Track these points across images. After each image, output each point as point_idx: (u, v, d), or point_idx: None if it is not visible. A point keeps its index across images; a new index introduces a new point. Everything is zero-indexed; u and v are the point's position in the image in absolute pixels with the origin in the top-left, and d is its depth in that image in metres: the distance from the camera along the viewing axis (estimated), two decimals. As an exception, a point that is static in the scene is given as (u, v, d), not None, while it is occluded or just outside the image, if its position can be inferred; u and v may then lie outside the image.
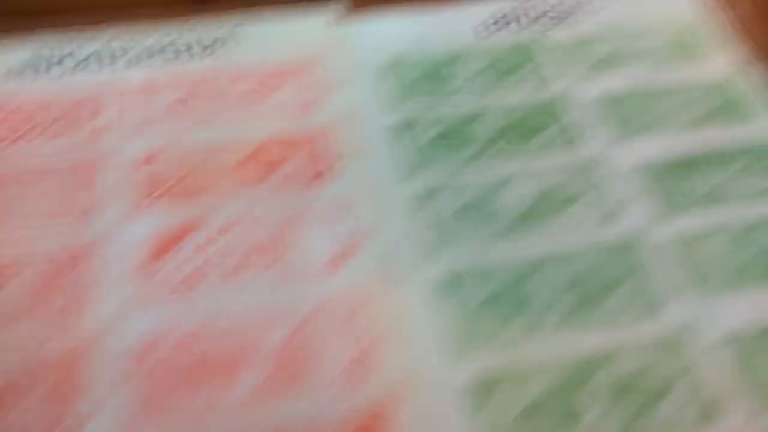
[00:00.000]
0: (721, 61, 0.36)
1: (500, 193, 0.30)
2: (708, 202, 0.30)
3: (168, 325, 0.25)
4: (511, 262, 0.28)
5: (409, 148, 0.31)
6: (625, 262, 0.28)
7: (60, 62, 0.32)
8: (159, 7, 0.35)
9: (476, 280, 0.27)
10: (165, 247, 0.26)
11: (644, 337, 0.26)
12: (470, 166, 0.31)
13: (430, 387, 0.24)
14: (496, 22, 0.37)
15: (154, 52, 0.33)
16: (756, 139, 0.32)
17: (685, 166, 0.31)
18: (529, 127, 0.33)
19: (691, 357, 0.25)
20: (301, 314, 0.25)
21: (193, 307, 0.25)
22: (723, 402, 0.24)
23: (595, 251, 0.28)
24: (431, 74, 0.35)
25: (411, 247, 0.28)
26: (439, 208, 0.29)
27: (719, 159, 0.32)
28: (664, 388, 0.24)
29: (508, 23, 0.37)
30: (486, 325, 0.26)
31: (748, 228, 0.29)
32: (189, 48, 0.34)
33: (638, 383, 0.24)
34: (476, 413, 0.23)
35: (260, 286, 0.26)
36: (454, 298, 0.26)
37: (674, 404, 0.24)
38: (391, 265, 0.27)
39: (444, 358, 0.25)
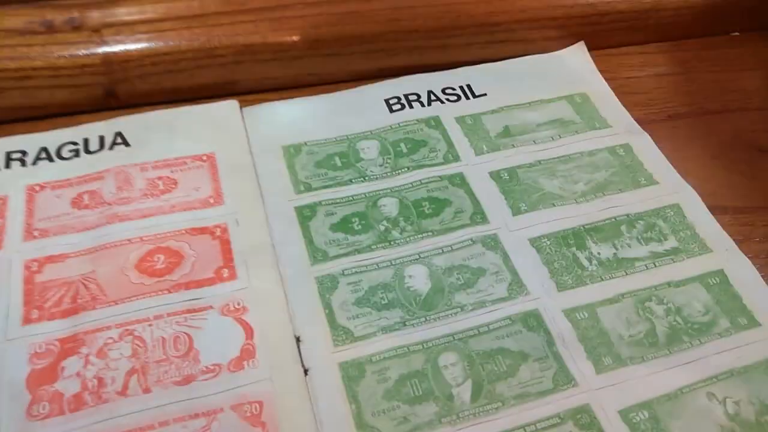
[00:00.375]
0: (610, 132, 0.37)
1: (406, 278, 0.30)
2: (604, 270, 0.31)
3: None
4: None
5: (316, 233, 0.32)
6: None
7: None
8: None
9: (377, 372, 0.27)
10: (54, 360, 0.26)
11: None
12: (374, 250, 0.31)
13: None
14: (399, 100, 0.38)
15: (50, 153, 0.33)
16: (647, 205, 0.34)
17: (578, 236, 0.32)
18: (433, 205, 0.33)
19: None
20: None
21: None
22: None
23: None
24: (339, 154, 0.35)
25: (313, 343, 0.28)
26: (344, 296, 0.29)
27: (612, 227, 0.33)
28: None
29: (411, 101, 0.38)
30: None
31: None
32: (92, 145, 0.34)
33: None
34: None
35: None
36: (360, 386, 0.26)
37: None
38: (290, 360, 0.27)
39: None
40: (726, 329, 0.29)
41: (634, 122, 0.38)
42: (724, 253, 0.32)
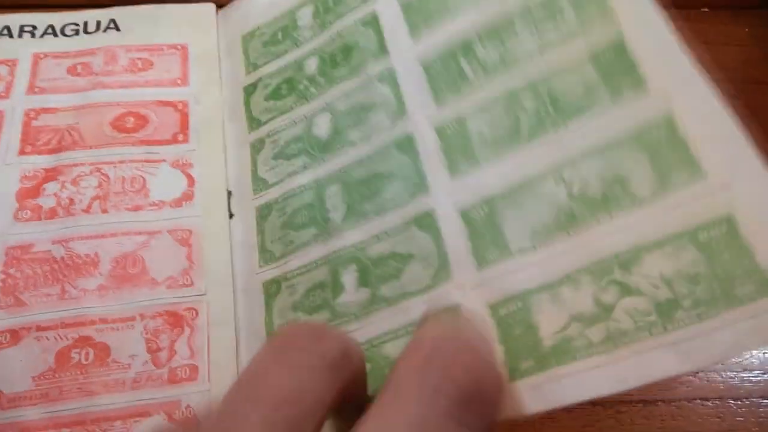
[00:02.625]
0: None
1: (313, 126, 0.35)
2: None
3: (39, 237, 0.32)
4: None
5: (254, 106, 0.37)
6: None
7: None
8: None
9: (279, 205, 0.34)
10: (38, 182, 0.34)
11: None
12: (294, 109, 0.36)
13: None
14: None
15: (55, 30, 0.40)
16: None
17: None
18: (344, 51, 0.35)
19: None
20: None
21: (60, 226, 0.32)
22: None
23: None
24: (281, 29, 0.39)
25: (240, 195, 0.35)
26: (266, 154, 0.36)
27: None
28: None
29: None
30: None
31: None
32: (89, 27, 0.41)
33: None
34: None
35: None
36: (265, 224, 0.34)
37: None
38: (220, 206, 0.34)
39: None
40: (602, 103, 0.25)
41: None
42: (632, 18, 0.27)
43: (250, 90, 0.39)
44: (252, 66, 0.40)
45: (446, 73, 0.31)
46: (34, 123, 0.36)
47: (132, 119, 0.37)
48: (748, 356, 0.36)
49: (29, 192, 0.33)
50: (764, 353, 0.36)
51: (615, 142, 0.25)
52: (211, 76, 0.40)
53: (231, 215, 0.34)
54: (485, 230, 0.27)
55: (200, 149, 0.36)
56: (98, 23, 0.41)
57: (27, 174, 0.34)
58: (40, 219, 0.33)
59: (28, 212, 0.33)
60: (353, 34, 0.36)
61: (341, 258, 0.31)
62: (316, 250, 0.31)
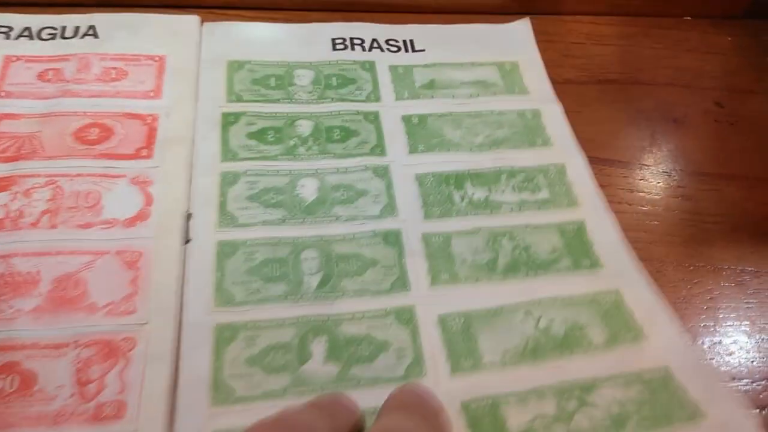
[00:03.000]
0: (527, 98, 0.41)
1: (298, 186, 0.35)
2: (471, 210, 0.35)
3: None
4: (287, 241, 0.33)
5: (233, 136, 0.37)
6: (390, 251, 0.33)
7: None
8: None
9: (247, 249, 0.32)
10: (-11, 191, 0.32)
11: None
12: (279, 160, 0.36)
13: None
14: (344, 41, 0.43)
15: (32, 33, 0.39)
16: (534, 161, 0.38)
17: (460, 178, 0.37)
18: (344, 132, 0.38)
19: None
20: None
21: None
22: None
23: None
24: (276, 76, 0.40)
25: (201, 222, 0.33)
26: (239, 191, 0.35)
27: (494, 175, 0.37)
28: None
29: (354, 44, 0.43)
30: (242, 290, 0.31)
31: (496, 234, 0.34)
32: (67, 32, 0.39)
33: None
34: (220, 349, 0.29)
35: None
36: (228, 262, 0.32)
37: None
38: (176, 229, 0.32)
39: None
40: (566, 267, 0.33)
41: (553, 93, 0.42)
42: (591, 208, 0.36)
43: (230, 119, 0.37)
44: (235, 96, 0.38)
45: (437, 193, 0.36)
46: (-5, 128, 0.35)
47: (96, 130, 0.35)
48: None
49: (-24, 201, 0.32)
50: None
51: (575, 299, 0.32)
52: (186, 91, 0.38)
53: (188, 240, 0.32)
54: (460, 339, 0.30)
55: (164, 166, 0.34)
56: (77, 29, 0.40)
57: (-22, 182, 0.32)
58: (-16, 230, 0.31)
59: (-27, 223, 0.31)
60: (355, 122, 0.38)
61: (312, 325, 0.30)
62: (285, 309, 0.30)
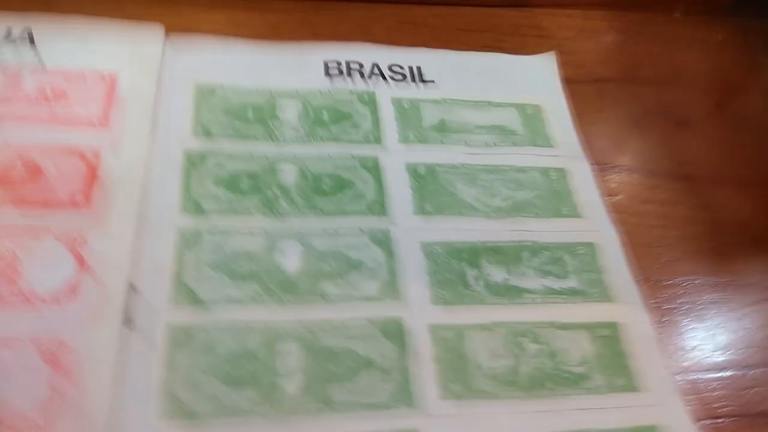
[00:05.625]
0: (551, 152, 0.35)
1: (276, 251, 0.28)
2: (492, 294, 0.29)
3: None
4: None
5: (197, 182, 0.29)
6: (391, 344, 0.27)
7: None
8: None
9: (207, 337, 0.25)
10: None
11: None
12: (254, 215, 0.29)
13: None
14: (339, 66, 0.36)
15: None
16: (561, 237, 0.31)
17: (474, 252, 0.30)
18: (336, 183, 0.31)
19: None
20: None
21: None
22: None
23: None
24: (254, 107, 0.33)
25: (152, 295, 0.26)
26: (201, 256, 0.27)
27: (513, 251, 0.30)
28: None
29: (351, 70, 0.36)
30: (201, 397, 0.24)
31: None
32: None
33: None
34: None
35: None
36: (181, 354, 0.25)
37: None
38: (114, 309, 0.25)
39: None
40: (597, 386, 0.27)
41: (580, 148, 0.35)
42: (624, 306, 0.30)
43: (195, 159, 0.30)
44: (203, 130, 0.31)
45: (448, 271, 0.29)
46: None
47: (22, 169, 0.27)
48: None
49: None
50: None
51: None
52: (140, 121, 0.30)
53: (129, 323, 0.25)
54: None
55: (105, 220, 0.27)
56: (9, 31, 0.32)
57: None
58: None
59: None
60: (349, 169, 0.31)
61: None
62: (259, 427, 0.23)
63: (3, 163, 0.27)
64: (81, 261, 0.25)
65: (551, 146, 0.35)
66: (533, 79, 0.38)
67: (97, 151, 0.29)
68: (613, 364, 0.28)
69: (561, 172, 0.34)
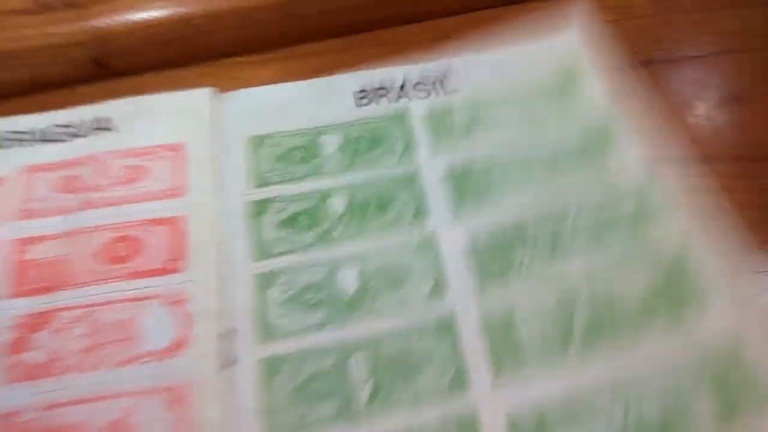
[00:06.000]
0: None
1: (338, 274, 0.33)
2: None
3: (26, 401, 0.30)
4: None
5: (263, 229, 0.34)
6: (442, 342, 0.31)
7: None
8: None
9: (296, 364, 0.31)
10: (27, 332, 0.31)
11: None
12: (314, 248, 0.34)
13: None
14: (367, 93, 0.39)
15: (44, 134, 0.37)
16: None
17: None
18: (380, 203, 0.35)
19: None
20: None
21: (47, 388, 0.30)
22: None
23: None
24: (299, 148, 0.37)
25: (242, 336, 0.32)
26: (276, 295, 0.33)
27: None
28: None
29: (379, 96, 0.39)
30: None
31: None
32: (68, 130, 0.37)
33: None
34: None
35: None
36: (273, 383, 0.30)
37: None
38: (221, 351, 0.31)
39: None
40: (660, 321, 0.29)
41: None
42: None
43: (259, 209, 0.35)
44: (262, 180, 0.36)
45: (495, 253, 0.32)
46: (24, 257, 0.34)
47: (123, 245, 0.34)
48: None
49: (16, 345, 0.31)
50: None
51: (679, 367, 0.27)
52: (209, 182, 0.36)
53: (228, 363, 0.31)
54: None
55: (196, 279, 0.33)
56: (90, 122, 0.38)
57: (14, 323, 0.32)
58: (27, 379, 0.30)
59: (17, 370, 0.31)
60: (389, 189, 0.35)
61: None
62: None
63: (110, 244, 0.34)
64: (186, 317, 0.32)
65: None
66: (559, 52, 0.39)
67: (181, 216, 0.34)
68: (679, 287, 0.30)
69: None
